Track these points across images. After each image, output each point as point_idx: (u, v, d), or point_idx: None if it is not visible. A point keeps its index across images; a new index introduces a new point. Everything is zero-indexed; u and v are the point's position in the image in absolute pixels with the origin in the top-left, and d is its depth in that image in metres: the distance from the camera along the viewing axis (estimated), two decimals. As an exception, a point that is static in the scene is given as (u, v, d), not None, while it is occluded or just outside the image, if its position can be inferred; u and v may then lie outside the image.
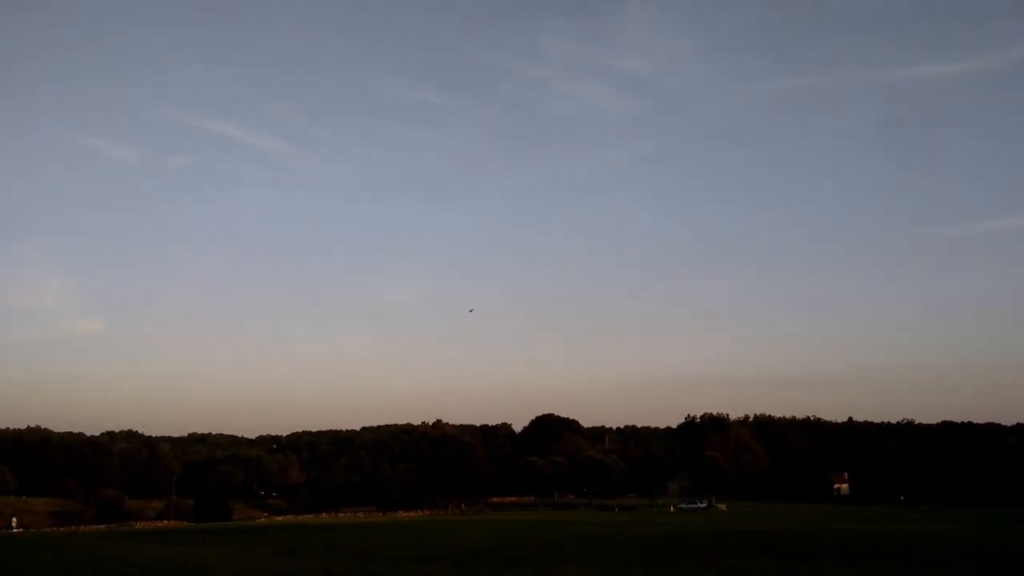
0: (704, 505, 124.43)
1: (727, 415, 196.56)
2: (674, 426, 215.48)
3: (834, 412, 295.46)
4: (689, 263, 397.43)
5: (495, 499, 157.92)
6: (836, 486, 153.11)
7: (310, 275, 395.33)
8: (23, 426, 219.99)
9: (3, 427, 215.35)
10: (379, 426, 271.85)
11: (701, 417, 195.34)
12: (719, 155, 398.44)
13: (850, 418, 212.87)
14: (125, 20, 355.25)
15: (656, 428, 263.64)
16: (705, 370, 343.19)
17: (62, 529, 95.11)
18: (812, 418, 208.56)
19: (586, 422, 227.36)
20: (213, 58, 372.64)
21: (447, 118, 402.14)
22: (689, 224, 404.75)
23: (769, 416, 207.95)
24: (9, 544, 33.18)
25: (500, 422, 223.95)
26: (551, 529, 39.22)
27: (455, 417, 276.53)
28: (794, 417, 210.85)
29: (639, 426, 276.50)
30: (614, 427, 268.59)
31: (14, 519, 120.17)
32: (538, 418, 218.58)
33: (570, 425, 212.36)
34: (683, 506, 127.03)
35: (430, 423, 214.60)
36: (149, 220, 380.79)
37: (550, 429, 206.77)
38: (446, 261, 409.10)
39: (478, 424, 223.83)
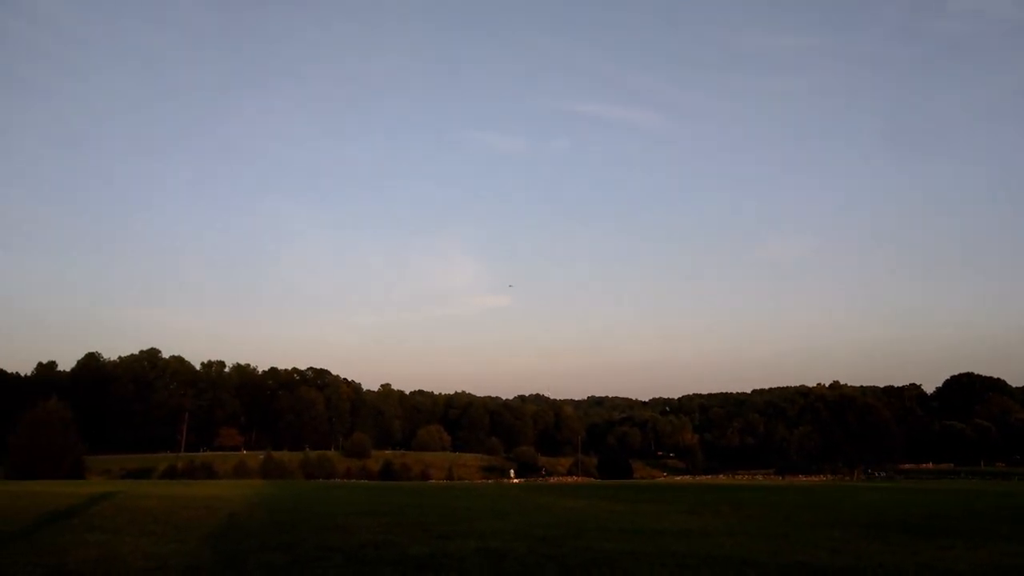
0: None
1: None
2: None
3: None
4: None
5: (906, 465, 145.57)
6: None
7: (690, 238, 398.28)
8: (451, 391, 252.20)
9: (437, 392, 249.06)
10: (771, 388, 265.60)
11: None
12: None
13: None
14: (505, 20, 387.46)
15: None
16: None
17: (490, 481, 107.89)
18: None
19: (1014, 381, 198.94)
20: (574, 38, 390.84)
21: (816, 60, 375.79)
22: None
23: None
24: (455, 492, 38.49)
25: (907, 382, 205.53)
26: (978, 499, 35.14)
27: (854, 378, 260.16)
28: None
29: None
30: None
31: (512, 471, 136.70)
32: (954, 377, 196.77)
33: (994, 384, 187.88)
34: None
35: (826, 384, 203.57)
36: (538, 202, 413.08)
37: (969, 389, 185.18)
38: (830, 212, 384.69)
39: (881, 385, 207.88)
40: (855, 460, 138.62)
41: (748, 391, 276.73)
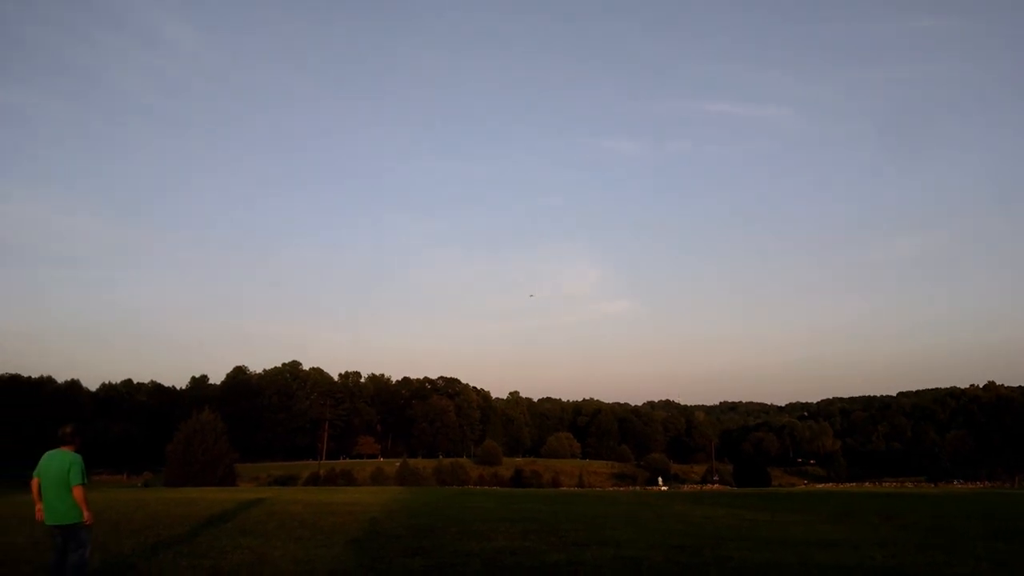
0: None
1: None
2: None
3: None
4: None
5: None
6: None
7: (822, 236, 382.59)
8: (579, 398, 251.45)
9: (565, 399, 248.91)
10: (918, 391, 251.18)
11: None
12: None
13: None
14: (621, 22, 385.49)
15: None
16: None
17: (622, 489, 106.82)
18: None
19: None
20: (692, 36, 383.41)
21: (950, 48, 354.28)
22: None
23: None
24: (588, 499, 38.35)
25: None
26: None
27: (1010, 378, 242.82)
28: None
29: None
30: None
31: (660, 479, 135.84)
32: None
33: None
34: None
35: (979, 385, 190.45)
36: (660, 205, 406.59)
37: None
38: (975, 205, 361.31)
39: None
40: (1015, 465, 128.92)
41: (893, 393, 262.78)
